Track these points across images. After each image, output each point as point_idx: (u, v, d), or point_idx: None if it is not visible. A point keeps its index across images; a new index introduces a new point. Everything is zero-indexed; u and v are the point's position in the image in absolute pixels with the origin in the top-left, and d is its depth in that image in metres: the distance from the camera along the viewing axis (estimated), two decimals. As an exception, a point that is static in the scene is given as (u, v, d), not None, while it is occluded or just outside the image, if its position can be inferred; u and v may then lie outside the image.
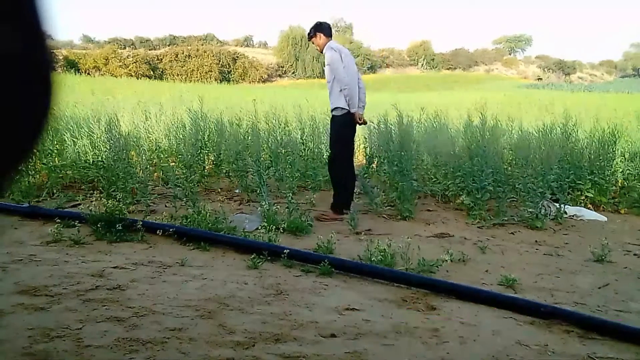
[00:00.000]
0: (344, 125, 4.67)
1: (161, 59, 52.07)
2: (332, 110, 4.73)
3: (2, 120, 0.46)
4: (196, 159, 6.05)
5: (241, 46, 69.22)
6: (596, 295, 3.14)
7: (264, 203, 4.52)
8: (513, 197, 5.20)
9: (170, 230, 3.77)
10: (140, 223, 3.82)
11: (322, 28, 4.74)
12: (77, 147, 5.88)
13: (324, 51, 4.72)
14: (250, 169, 5.41)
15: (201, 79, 45.62)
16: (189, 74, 48.10)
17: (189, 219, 4.10)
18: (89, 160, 5.62)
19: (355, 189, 5.61)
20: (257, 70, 55.13)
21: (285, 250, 3.40)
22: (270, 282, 3.06)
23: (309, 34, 4.86)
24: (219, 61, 53.22)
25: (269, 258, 3.44)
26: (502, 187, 4.95)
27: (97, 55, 45.60)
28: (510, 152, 6.09)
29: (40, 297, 2.66)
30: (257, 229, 4.13)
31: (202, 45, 59.99)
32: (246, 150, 6.06)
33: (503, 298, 2.93)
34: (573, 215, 5.07)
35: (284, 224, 4.12)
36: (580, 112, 11.03)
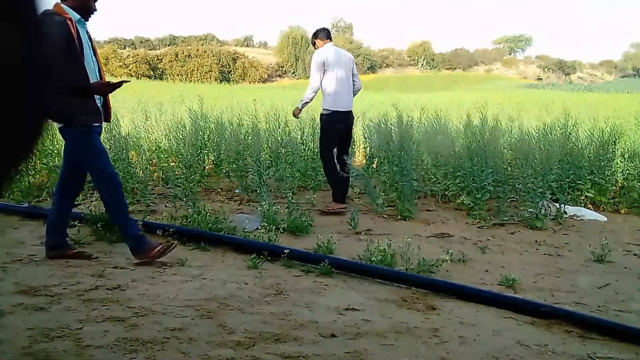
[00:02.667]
0: (327, 123, 5.00)
1: (161, 59, 52.06)
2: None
3: (3, 120, 0.46)
4: (196, 159, 6.04)
5: (241, 46, 69.22)
6: (596, 295, 3.14)
7: (264, 203, 4.52)
8: (513, 197, 5.20)
9: (170, 230, 3.76)
10: (140, 223, 3.81)
11: (317, 34, 5.15)
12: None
13: None
14: (250, 169, 5.41)
15: (201, 79, 45.56)
16: (189, 74, 48.04)
17: (189, 219, 4.10)
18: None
19: (356, 189, 5.63)
20: (257, 70, 55.11)
21: (285, 250, 3.40)
22: (270, 282, 3.06)
23: (312, 41, 5.27)
24: (219, 61, 53.22)
25: (269, 258, 3.43)
26: (502, 187, 4.95)
27: (97, 55, 45.52)
28: (510, 152, 6.08)
29: (40, 297, 2.66)
30: (257, 229, 4.12)
31: (202, 45, 59.98)
32: (246, 150, 6.05)
33: (503, 298, 2.93)
34: (573, 215, 5.07)
35: (284, 224, 4.12)
36: (580, 112, 11.02)
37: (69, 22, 2.97)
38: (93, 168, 3.19)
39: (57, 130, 3.31)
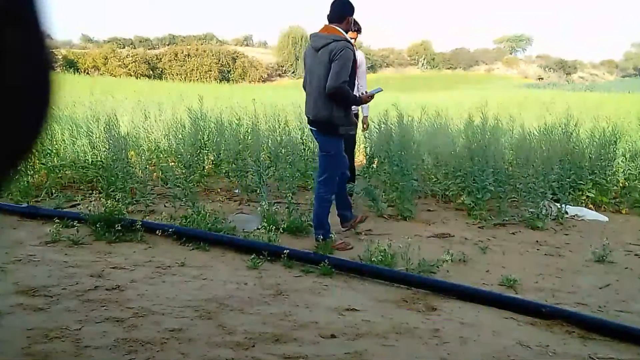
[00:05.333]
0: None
1: (160, 59, 51.95)
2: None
3: (2, 120, 0.45)
4: (196, 159, 6.03)
5: (241, 45, 69.12)
6: (597, 295, 3.13)
7: (263, 203, 4.51)
8: (514, 197, 5.19)
9: (170, 230, 3.76)
10: (140, 223, 3.81)
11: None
12: (76, 147, 5.87)
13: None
14: (250, 169, 5.40)
15: (201, 78, 45.52)
16: (188, 74, 47.98)
17: (188, 219, 4.09)
18: (88, 160, 5.61)
19: (357, 190, 5.64)
20: (256, 69, 55.01)
21: (285, 251, 3.40)
22: (270, 283, 3.06)
23: (359, 29, 5.02)
24: (219, 61, 53.11)
25: (269, 258, 3.43)
26: (503, 187, 4.94)
27: (96, 54, 45.48)
28: (511, 151, 6.08)
29: (39, 297, 2.65)
30: (257, 229, 4.12)
31: (202, 44, 59.87)
32: (246, 150, 6.04)
33: (504, 298, 2.93)
34: (574, 216, 5.06)
35: (284, 224, 4.11)
36: (581, 111, 11.01)
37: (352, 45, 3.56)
38: (329, 170, 3.75)
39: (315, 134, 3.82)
